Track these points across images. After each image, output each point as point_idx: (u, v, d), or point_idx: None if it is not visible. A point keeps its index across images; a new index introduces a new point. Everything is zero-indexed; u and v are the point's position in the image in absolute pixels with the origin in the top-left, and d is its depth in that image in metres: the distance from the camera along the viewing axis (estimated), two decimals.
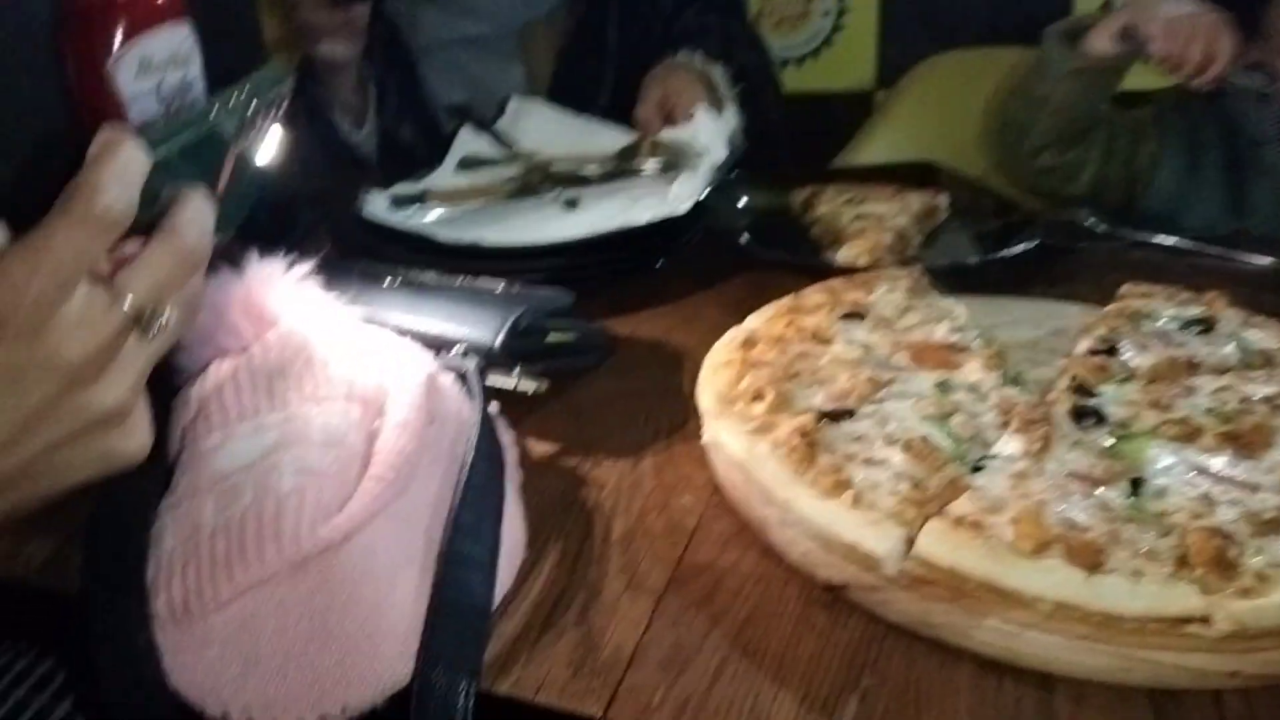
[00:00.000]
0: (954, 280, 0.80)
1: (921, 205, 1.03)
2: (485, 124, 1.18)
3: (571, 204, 1.01)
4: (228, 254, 0.63)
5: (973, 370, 0.65)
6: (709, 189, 0.99)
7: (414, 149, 1.02)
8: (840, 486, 0.53)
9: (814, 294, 0.75)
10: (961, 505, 0.51)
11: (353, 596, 0.49)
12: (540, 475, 0.64)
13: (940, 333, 0.69)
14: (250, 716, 0.47)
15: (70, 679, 0.59)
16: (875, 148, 1.59)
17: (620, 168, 1.05)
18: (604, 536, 0.59)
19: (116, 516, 0.54)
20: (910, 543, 0.50)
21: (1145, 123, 1.25)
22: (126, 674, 0.48)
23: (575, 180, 1.04)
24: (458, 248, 0.91)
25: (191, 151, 0.46)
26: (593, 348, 0.78)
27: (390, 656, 0.48)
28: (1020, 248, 0.92)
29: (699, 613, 0.53)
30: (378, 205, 1.00)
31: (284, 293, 0.62)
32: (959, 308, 0.73)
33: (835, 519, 0.52)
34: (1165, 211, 1.20)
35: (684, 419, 0.71)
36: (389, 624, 0.49)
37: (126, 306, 0.42)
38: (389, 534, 0.52)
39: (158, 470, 0.58)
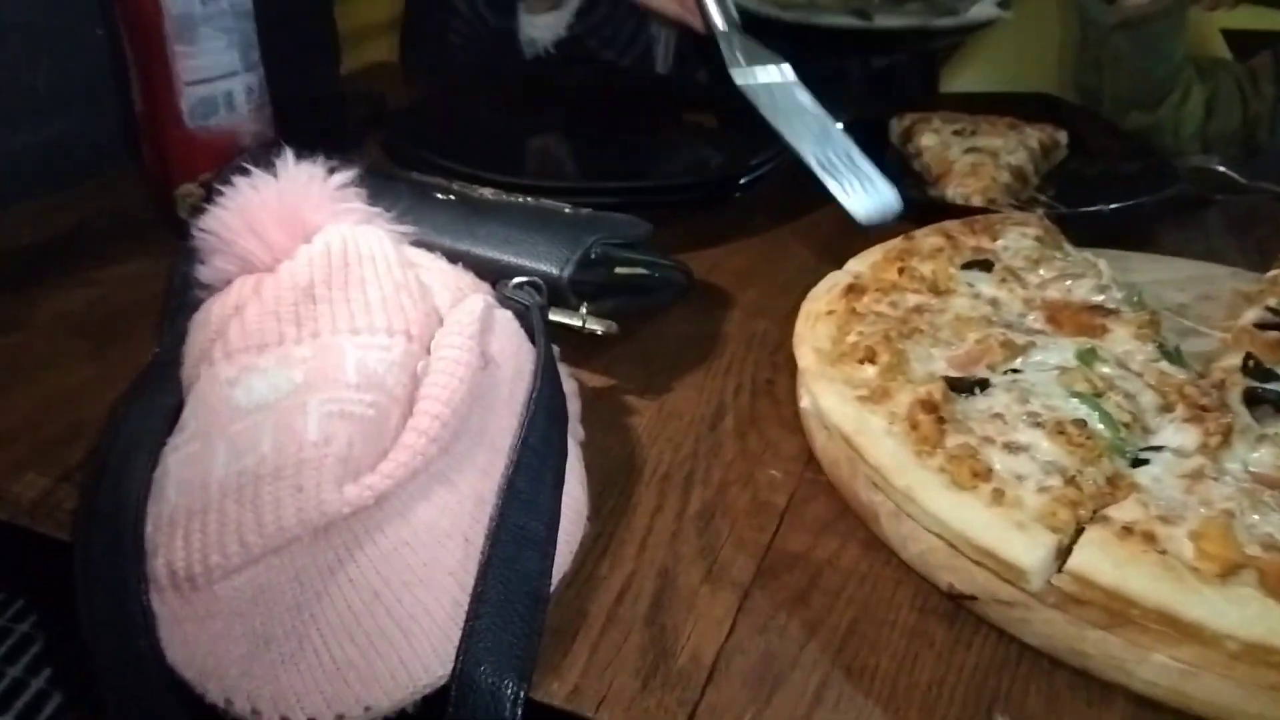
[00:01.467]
0: (1077, 229, 0.69)
1: (1040, 141, 0.91)
2: None
3: (862, 15, 1.04)
4: (260, 155, 0.55)
5: (1122, 338, 0.54)
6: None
7: None
8: (977, 477, 0.43)
9: (929, 236, 0.64)
10: (1128, 510, 0.42)
11: (384, 573, 0.41)
12: (604, 433, 0.55)
13: (1081, 291, 0.59)
14: (255, 707, 0.39)
15: (51, 644, 0.52)
16: (971, 77, 1.46)
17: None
18: (678, 511, 0.50)
19: (117, 454, 0.46)
20: (1063, 553, 0.41)
21: (1259, 69, 1.14)
22: (116, 642, 0.41)
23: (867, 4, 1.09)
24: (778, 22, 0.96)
25: None
26: (667, 285, 0.68)
27: (426, 649, 0.40)
28: (1160, 195, 0.80)
29: (792, 616, 0.44)
30: None
31: (322, 203, 0.53)
32: (1101, 263, 0.62)
33: (968, 516, 0.42)
34: None
35: (771, 374, 0.62)
36: (426, 609, 0.41)
37: None
38: (430, 498, 0.44)
39: (167, 403, 0.50)
